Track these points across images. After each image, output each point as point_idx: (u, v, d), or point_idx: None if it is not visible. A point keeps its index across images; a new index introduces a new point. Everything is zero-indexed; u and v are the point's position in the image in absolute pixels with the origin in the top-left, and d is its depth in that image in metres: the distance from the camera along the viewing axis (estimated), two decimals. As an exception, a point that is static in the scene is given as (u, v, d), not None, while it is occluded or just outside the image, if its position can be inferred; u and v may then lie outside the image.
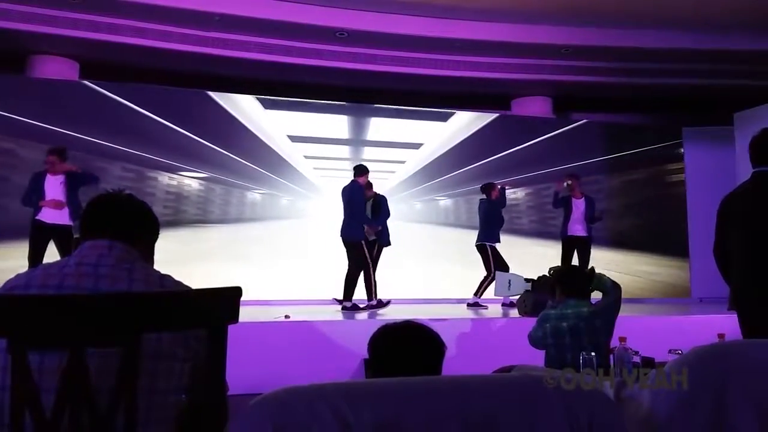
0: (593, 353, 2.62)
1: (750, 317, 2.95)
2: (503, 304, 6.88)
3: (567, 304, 3.29)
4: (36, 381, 1.08)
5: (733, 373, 1.40)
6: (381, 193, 7.07)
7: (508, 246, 7.28)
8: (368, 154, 9.02)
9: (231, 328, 1.24)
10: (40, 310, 1.09)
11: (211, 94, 8.29)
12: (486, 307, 6.77)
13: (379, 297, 6.58)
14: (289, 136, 8.77)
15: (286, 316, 5.43)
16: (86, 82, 7.84)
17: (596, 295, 3.48)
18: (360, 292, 6.48)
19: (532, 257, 8.26)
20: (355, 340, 4.79)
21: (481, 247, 7.02)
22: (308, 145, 8.91)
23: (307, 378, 1.26)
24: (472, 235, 7.18)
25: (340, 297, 6.49)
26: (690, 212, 9.43)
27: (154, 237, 1.54)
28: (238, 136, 8.41)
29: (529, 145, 9.29)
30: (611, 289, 3.39)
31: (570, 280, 3.44)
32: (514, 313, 6.25)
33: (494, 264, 6.86)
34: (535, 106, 9.39)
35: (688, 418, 1.37)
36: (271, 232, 8.56)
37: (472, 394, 1.15)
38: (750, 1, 6.78)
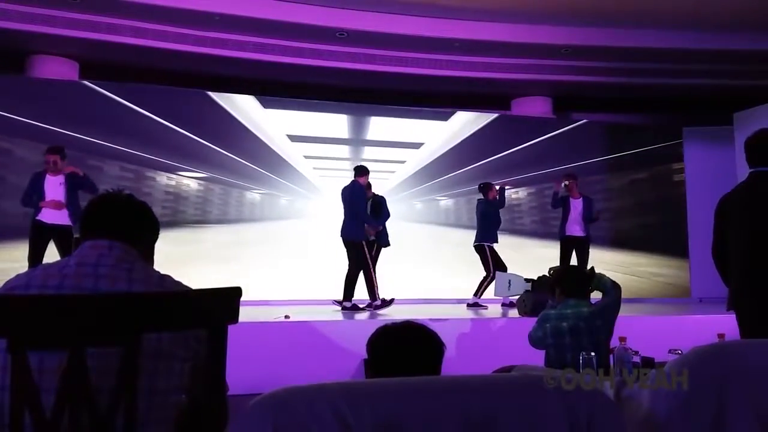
0: (593, 353, 2.62)
1: (748, 317, 2.95)
2: (503, 304, 6.88)
3: (567, 304, 3.29)
4: (36, 381, 1.08)
5: (733, 374, 1.40)
6: (380, 194, 7.06)
7: (509, 247, 7.27)
8: (368, 153, 9.01)
9: (231, 328, 1.24)
10: (40, 310, 1.09)
11: (210, 93, 8.28)
12: (486, 308, 6.77)
13: (382, 296, 6.57)
14: (288, 136, 8.76)
15: (286, 317, 5.43)
16: (86, 82, 7.84)
17: (596, 295, 3.48)
18: (360, 293, 6.47)
19: (533, 258, 8.25)
20: (355, 340, 4.79)
21: (479, 248, 7.02)
22: (308, 145, 8.90)
23: (307, 378, 1.26)
24: (473, 236, 7.17)
25: (340, 299, 6.48)
26: (690, 212, 9.43)
27: (154, 237, 1.55)
28: (237, 135, 8.39)
29: (529, 145, 9.28)
30: (611, 289, 3.39)
31: (570, 280, 3.44)
32: (514, 313, 6.25)
33: (492, 264, 6.86)
34: (536, 106, 9.38)
35: (688, 418, 1.37)
36: (270, 232, 8.56)
37: (472, 394, 1.14)
38: (750, 1, 6.78)
